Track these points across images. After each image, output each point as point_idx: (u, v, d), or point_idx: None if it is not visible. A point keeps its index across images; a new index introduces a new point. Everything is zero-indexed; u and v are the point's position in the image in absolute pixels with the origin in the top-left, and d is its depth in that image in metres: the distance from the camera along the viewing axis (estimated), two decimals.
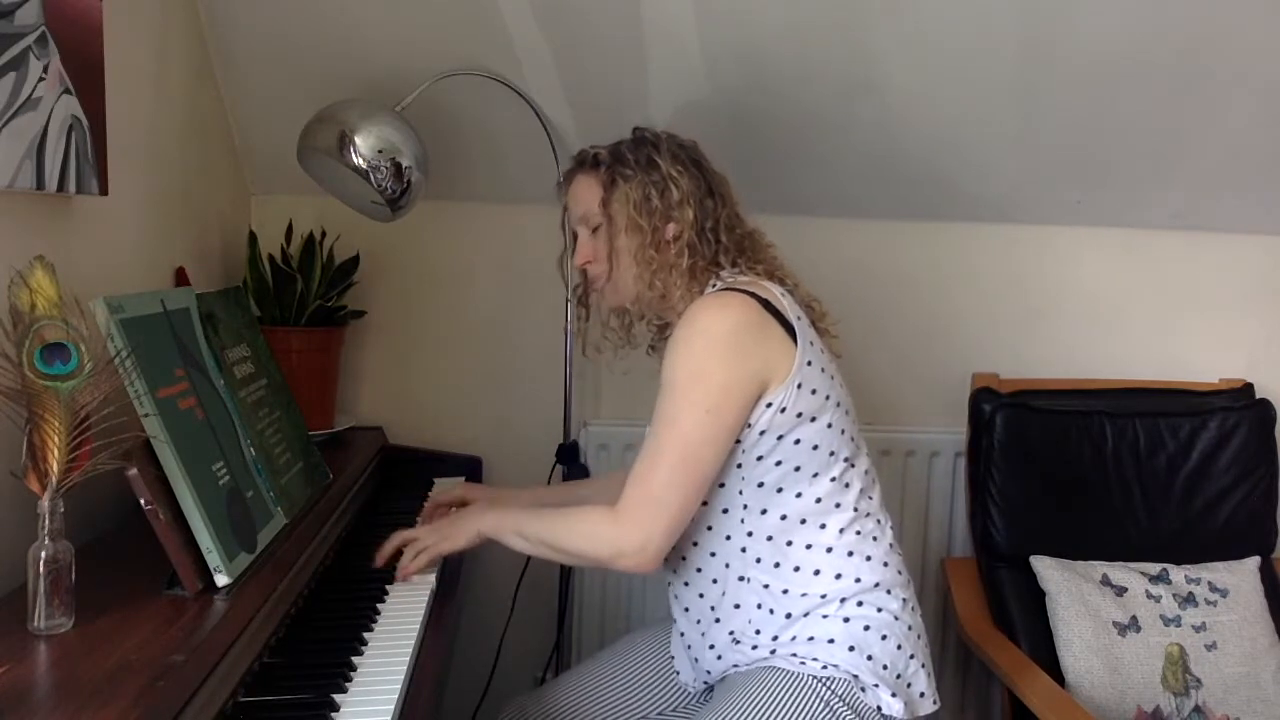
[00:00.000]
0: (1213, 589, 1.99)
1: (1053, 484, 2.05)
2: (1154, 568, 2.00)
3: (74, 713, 0.84)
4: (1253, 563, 2.04)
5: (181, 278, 1.69)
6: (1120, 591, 1.96)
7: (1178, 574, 2.00)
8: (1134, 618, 1.93)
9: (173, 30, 1.71)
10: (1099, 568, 1.98)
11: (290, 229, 2.02)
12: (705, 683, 1.53)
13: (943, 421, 2.21)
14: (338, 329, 2.01)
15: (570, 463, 2.09)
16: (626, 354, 1.65)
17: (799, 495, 1.39)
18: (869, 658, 1.35)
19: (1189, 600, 1.97)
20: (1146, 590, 1.97)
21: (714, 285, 1.46)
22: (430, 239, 2.15)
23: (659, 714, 1.57)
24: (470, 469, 2.08)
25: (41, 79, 1.20)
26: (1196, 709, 1.91)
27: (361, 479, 1.81)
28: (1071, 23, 1.80)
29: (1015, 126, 2.00)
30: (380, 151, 1.74)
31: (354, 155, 1.73)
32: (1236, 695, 1.92)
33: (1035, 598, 1.97)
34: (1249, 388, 2.17)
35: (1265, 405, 2.13)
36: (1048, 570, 1.96)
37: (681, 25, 1.81)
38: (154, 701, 0.87)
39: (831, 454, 1.39)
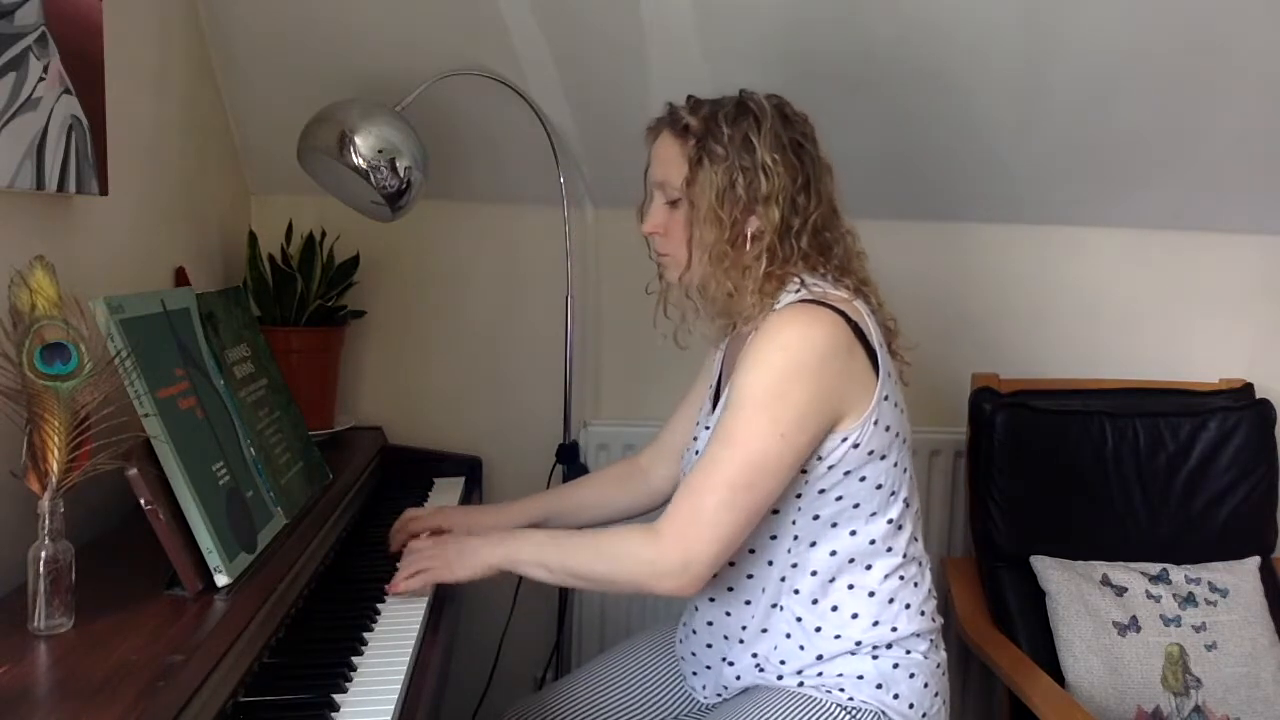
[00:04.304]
0: (1213, 589, 1.99)
1: (1053, 484, 2.05)
2: (1154, 568, 2.00)
3: (74, 713, 0.84)
4: (1253, 563, 2.04)
5: (181, 278, 1.69)
6: (1120, 591, 1.96)
7: (1178, 574, 2.00)
8: (1134, 618, 1.93)
9: (173, 30, 1.71)
10: (1099, 568, 1.98)
11: (290, 229, 2.02)
12: (718, 694, 1.48)
13: (943, 421, 2.21)
14: (338, 329, 2.01)
15: (570, 463, 2.09)
16: (711, 321, 1.44)
17: (853, 533, 1.32)
18: (895, 696, 1.33)
19: (1189, 600, 1.97)
20: (1146, 590, 1.97)
21: (795, 290, 1.33)
22: (430, 239, 2.15)
23: None
24: (470, 469, 2.08)
25: (41, 79, 1.20)
26: (1196, 709, 1.91)
27: (361, 479, 1.81)
28: (1072, 23, 1.80)
29: (1016, 126, 2.00)
30: (380, 151, 1.74)
31: (354, 155, 1.73)
32: (1236, 695, 1.92)
33: (1035, 598, 1.97)
34: (1249, 388, 2.17)
35: (1265, 405, 2.13)
36: (1048, 570, 1.96)
37: (681, 25, 1.81)
38: (154, 701, 0.87)
39: (893, 494, 1.33)
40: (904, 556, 1.35)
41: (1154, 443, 2.09)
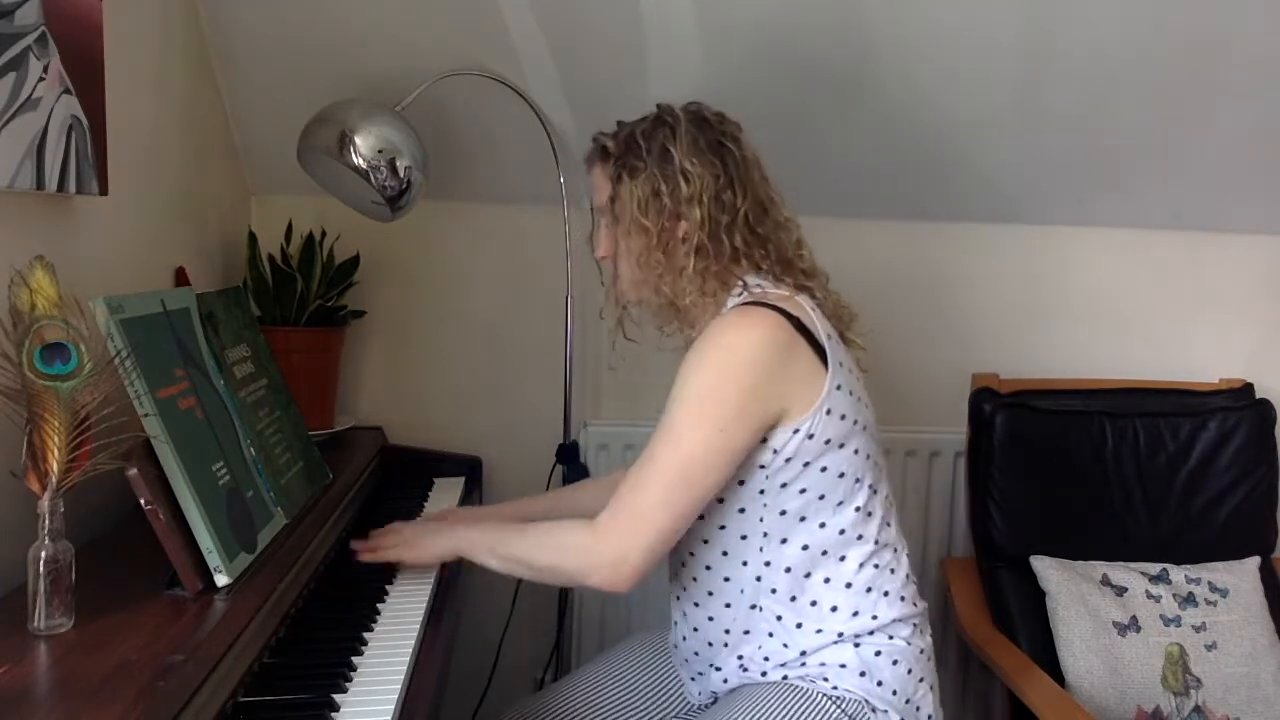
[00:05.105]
0: (1213, 589, 1.99)
1: (1053, 484, 2.05)
2: (1154, 568, 2.00)
3: (74, 713, 0.84)
4: (1253, 563, 2.04)
5: (181, 278, 1.69)
6: (1120, 591, 1.96)
7: (1178, 574, 2.00)
8: (1134, 618, 1.93)
9: (173, 30, 1.72)
10: (1099, 568, 1.98)
11: (290, 229, 2.02)
12: (712, 697, 1.49)
13: (943, 421, 2.21)
14: (338, 329, 2.01)
15: (570, 463, 2.08)
16: (674, 332, 1.48)
17: (822, 525, 1.33)
18: (879, 683, 1.33)
19: (1189, 600, 1.97)
20: (1146, 590, 1.97)
21: (739, 293, 1.37)
22: (430, 239, 2.15)
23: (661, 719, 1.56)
24: (470, 469, 2.08)
25: (41, 79, 1.20)
26: (1196, 709, 1.91)
27: (361, 479, 1.81)
28: (1073, 23, 1.80)
29: (1016, 126, 2.00)
30: (380, 151, 1.74)
31: (354, 155, 1.73)
32: (1236, 695, 1.92)
33: (1035, 598, 1.97)
34: (1249, 388, 2.17)
35: (1265, 405, 2.13)
36: (1048, 570, 1.96)
37: (681, 24, 1.81)
38: (154, 701, 0.87)
39: (857, 481, 1.34)
40: (876, 543, 1.36)
41: (1154, 443, 2.09)
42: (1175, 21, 1.79)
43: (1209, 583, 1.99)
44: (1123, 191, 2.16)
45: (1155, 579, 1.99)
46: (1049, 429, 2.06)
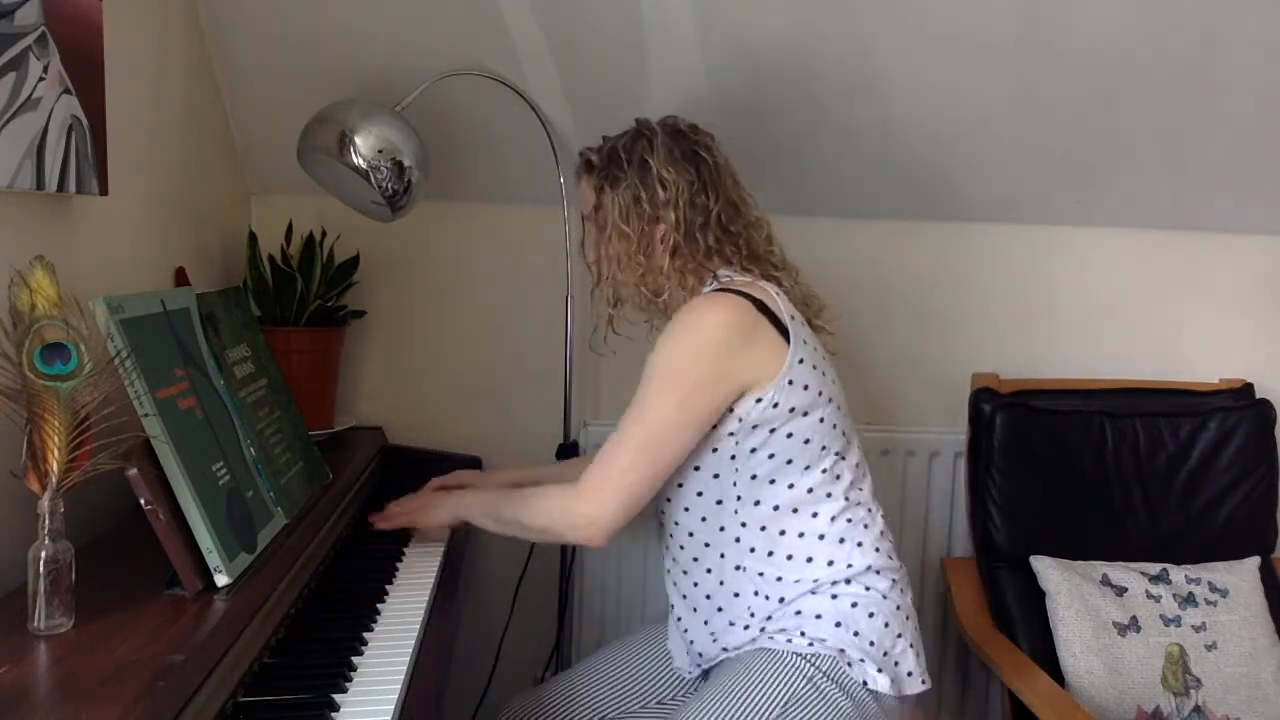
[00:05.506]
0: (1213, 589, 1.99)
1: (1053, 484, 2.05)
2: (1154, 568, 2.00)
3: (74, 713, 0.85)
4: (1253, 563, 2.04)
5: (181, 278, 1.70)
6: (1120, 591, 1.96)
7: (1178, 574, 2.00)
8: (1134, 618, 1.93)
9: (173, 30, 1.72)
10: (1099, 568, 1.98)
11: (290, 229, 2.02)
12: (700, 667, 1.55)
13: (943, 421, 2.21)
14: (338, 329, 2.01)
15: None
16: (662, 327, 1.53)
17: (790, 486, 1.42)
18: (855, 634, 1.38)
19: (1189, 600, 1.97)
20: (1146, 590, 1.97)
21: (710, 284, 1.48)
22: (430, 239, 2.15)
23: (658, 703, 1.59)
24: (470, 469, 2.08)
25: (41, 79, 1.20)
26: (1196, 709, 1.91)
27: (361, 479, 1.81)
28: (1072, 23, 1.80)
29: (1016, 126, 2.00)
30: (380, 151, 1.74)
31: (354, 155, 1.73)
32: (1236, 695, 1.92)
33: (1035, 598, 1.97)
34: (1249, 388, 2.17)
35: (1265, 405, 2.13)
36: (1048, 570, 1.96)
37: (682, 25, 1.81)
38: (154, 701, 0.87)
39: (823, 448, 1.42)
40: (846, 500, 1.44)
41: (1154, 443, 2.09)
42: (1173, 21, 1.79)
43: (1209, 583, 1.99)
44: (1123, 191, 2.15)
45: (1155, 579, 1.99)
46: (1049, 429, 2.06)
